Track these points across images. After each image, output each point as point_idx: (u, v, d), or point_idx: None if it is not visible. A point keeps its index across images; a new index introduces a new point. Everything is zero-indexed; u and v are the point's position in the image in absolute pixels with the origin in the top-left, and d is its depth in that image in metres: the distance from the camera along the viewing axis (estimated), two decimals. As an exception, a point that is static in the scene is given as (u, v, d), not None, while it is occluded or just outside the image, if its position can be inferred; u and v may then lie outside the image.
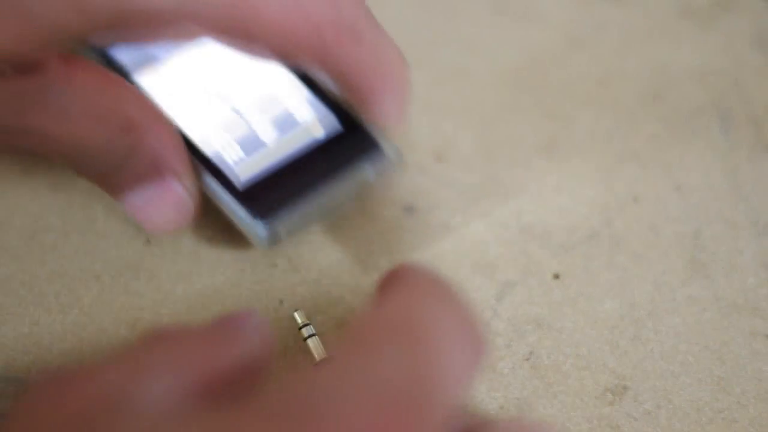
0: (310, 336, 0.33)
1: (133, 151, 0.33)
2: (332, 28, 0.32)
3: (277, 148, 0.35)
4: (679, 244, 0.37)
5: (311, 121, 0.36)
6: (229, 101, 0.36)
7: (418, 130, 0.40)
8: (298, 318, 0.34)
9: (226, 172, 0.35)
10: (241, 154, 0.35)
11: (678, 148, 0.40)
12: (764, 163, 0.39)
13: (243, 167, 0.35)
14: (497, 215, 0.38)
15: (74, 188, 0.38)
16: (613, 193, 0.39)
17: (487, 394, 0.34)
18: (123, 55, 0.37)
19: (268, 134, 0.36)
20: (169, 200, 0.34)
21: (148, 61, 0.37)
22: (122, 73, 0.37)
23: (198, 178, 0.35)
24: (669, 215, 0.38)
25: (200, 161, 0.35)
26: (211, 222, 0.37)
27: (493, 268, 0.37)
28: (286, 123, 0.36)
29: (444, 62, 0.42)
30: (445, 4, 0.44)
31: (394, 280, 0.27)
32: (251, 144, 0.35)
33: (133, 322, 0.35)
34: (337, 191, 0.35)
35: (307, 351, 0.33)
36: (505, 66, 0.42)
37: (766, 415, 0.33)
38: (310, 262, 0.36)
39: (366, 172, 0.35)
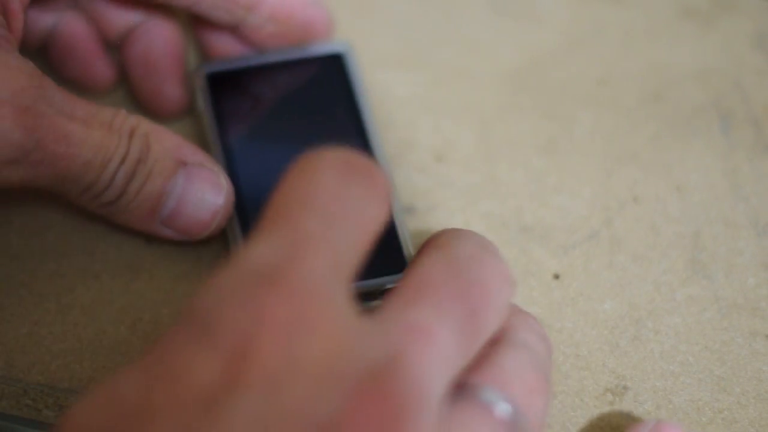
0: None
1: (147, 153, 0.33)
2: None
3: None
4: (679, 244, 0.37)
5: None
6: None
7: (418, 130, 0.40)
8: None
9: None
10: None
11: (678, 148, 0.40)
12: (764, 163, 0.39)
13: None
14: (497, 215, 0.38)
15: (74, 188, 0.38)
16: (613, 193, 0.39)
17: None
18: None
19: None
20: (204, 182, 0.34)
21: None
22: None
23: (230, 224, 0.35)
24: (669, 215, 0.38)
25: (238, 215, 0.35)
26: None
27: (493, 268, 0.36)
28: None
29: (444, 62, 0.42)
30: (445, 4, 0.44)
31: None
32: None
33: (133, 322, 0.35)
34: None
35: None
36: (505, 66, 0.42)
37: (766, 415, 0.33)
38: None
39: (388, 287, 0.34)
